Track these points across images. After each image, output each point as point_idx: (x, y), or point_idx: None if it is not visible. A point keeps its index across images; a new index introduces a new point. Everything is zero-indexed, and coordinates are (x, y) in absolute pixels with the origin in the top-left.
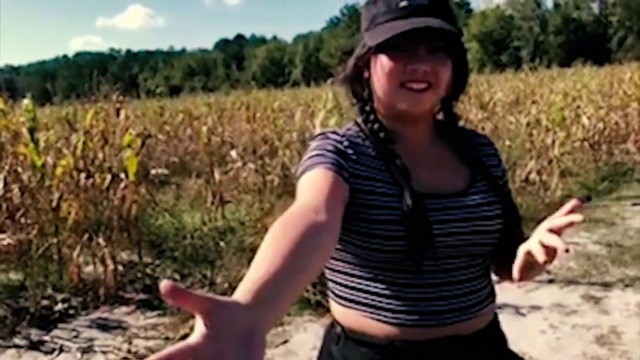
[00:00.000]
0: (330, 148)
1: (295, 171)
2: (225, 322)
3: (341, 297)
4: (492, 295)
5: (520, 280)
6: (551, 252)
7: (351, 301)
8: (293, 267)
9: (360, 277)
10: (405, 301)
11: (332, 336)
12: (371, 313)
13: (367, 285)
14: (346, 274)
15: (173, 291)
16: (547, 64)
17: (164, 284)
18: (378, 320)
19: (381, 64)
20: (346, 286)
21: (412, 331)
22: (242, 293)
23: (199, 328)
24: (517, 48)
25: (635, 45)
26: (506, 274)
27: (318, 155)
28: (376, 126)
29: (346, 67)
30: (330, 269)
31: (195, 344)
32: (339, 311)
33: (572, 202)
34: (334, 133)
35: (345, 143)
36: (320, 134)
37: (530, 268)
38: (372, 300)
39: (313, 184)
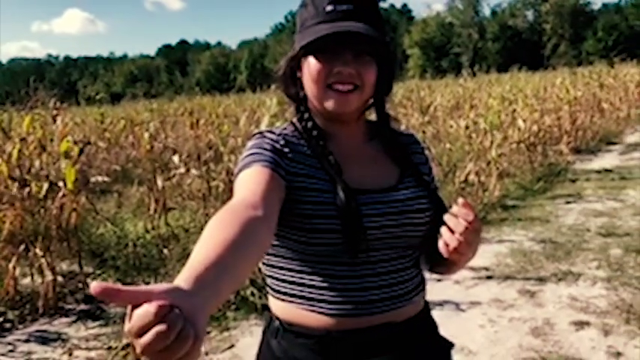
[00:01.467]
0: (266, 146)
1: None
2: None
3: (278, 291)
4: (422, 284)
5: (452, 257)
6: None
7: (288, 294)
8: (233, 257)
9: (296, 271)
10: (339, 292)
11: (271, 330)
12: (307, 305)
13: (302, 278)
14: (283, 268)
15: (104, 290)
16: (486, 69)
17: (93, 285)
18: (315, 312)
19: (309, 66)
20: (283, 281)
21: (348, 320)
22: (184, 280)
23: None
24: (457, 54)
25: (567, 51)
26: (436, 266)
27: (255, 154)
28: (309, 124)
29: (278, 68)
30: (267, 265)
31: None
32: (277, 305)
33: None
34: (270, 132)
35: (282, 142)
36: (257, 133)
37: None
38: (309, 292)
39: (251, 181)
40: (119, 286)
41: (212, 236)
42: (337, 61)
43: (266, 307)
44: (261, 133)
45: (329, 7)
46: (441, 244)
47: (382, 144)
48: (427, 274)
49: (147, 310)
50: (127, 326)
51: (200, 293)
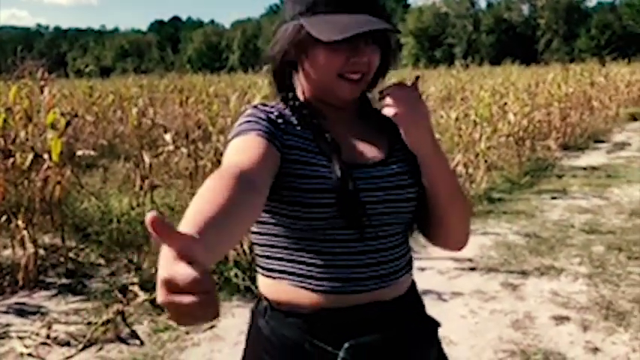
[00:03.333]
0: (262, 116)
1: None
2: (199, 263)
3: (268, 269)
4: (410, 263)
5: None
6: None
7: (277, 271)
8: (228, 219)
9: (285, 248)
10: (328, 268)
11: (259, 310)
12: (296, 281)
13: (292, 254)
14: (272, 245)
15: (159, 224)
16: (479, 61)
17: (150, 215)
18: (304, 288)
19: (322, 55)
20: (272, 258)
21: (336, 297)
22: (189, 230)
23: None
24: (451, 45)
25: (560, 48)
26: (433, 237)
27: (251, 122)
28: (297, 103)
29: (274, 43)
30: (257, 244)
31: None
32: (266, 284)
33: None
34: (264, 104)
35: (276, 113)
36: (251, 105)
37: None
38: (298, 269)
39: (246, 148)
40: (170, 225)
41: (209, 198)
42: (352, 51)
43: (249, 290)
44: (255, 106)
45: None
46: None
47: (370, 120)
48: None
49: (196, 278)
50: (174, 275)
51: (207, 253)
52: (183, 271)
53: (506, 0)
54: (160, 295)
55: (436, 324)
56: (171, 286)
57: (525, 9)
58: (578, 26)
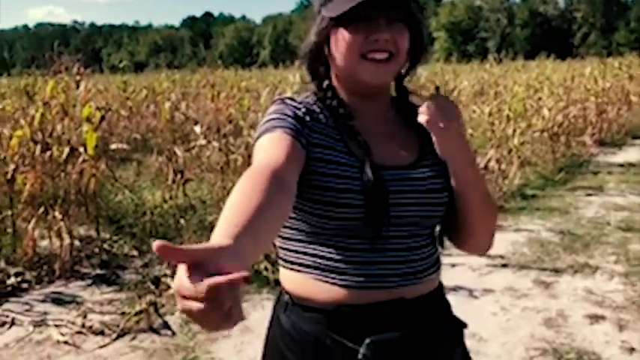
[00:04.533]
0: (288, 112)
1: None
2: (218, 269)
3: (290, 262)
4: (437, 263)
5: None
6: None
7: (299, 264)
8: (263, 221)
9: (309, 242)
10: (352, 264)
11: (280, 304)
12: (318, 275)
13: (315, 249)
14: (295, 239)
15: (165, 249)
16: (513, 56)
17: (156, 244)
18: (326, 282)
19: (342, 36)
20: (295, 251)
21: (357, 293)
22: (224, 236)
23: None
24: (484, 39)
25: (597, 41)
26: (458, 240)
27: (277, 119)
28: (334, 102)
29: (305, 44)
30: (281, 237)
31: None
32: (288, 277)
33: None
34: (291, 99)
35: (303, 110)
36: (278, 99)
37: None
38: (320, 263)
39: (272, 147)
40: (178, 246)
41: (240, 203)
42: (371, 28)
43: (278, 282)
44: (282, 99)
45: None
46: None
47: (404, 120)
48: (442, 258)
49: (218, 284)
50: (179, 286)
51: (239, 253)
52: (185, 283)
53: None
54: (178, 303)
55: (462, 324)
56: (182, 296)
57: (561, 2)
58: (616, 19)
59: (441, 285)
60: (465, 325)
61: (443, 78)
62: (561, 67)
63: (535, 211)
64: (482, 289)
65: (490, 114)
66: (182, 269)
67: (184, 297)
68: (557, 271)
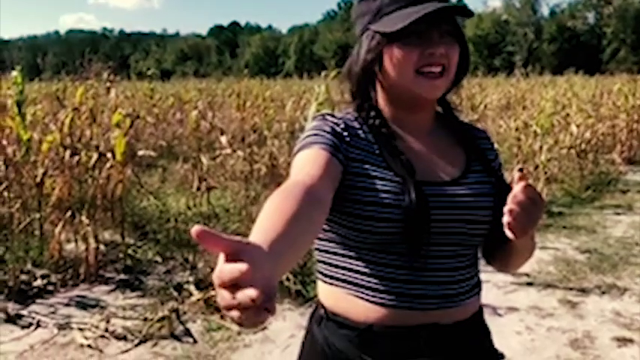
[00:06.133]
0: (327, 129)
1: (290, 154)
2: (254, 263)
3: (327, 275)
4: (478, 287)
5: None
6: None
7: (335, 279)
8: (294, 233)
9: (346, 257)
10: (389, 281)
11: (315, 317)
12: (353, 290)
13: (352, 263)
14: (333, 253)
15: (204, 234)
16: (540, 70)
17: (195, 228)
18: (361, 298)
19: (398, 52)
20: (332, 265)
21: (393, 312)
22: (260, 241)
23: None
24: (511, 53)
25: (628, 57)
26: (495, 258)
27: (315, 135)
28: (377, 121)
29: (353, 62)
30: (318, 249)
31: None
32: (325, 290)
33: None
34: (332, 115)
35: (342, 126)
36: (318, 115)
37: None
38: (356, 278)
39: (308, 163)
40: (217, 232)
41: (274, 215)
42: (426, 43)
43: (300, 293)
44: (322, 115)
45: None
46: (505, 219)
47: (449, 135)
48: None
49: (240, 270)
50: (221, 273)
51: (274, 258)
52: (228, 266)
53: (571, 8)
54: (218, 297)
55: (499, 356)
56: (223, 284)
57: (591, 17)
58: None
59: (480, 310)
60: (502, 357)
61: (469, 91)
62: (590, 83)
63: (562, 229)
64: (507, 308)
65: (517, 129)
66: (221, 257)
67: (225, 284)
68: (583, 291)
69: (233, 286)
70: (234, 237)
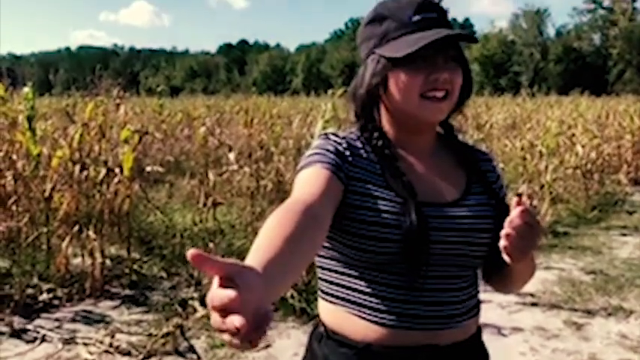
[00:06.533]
0: (330, 148)
1: (295, 171)
2: (247, 286)
3: (327, 293)
4: (477, 308)
5: (513, 260)
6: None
7: (335, 297)
8: (292, 253)
9: (346, 275)
10: (388, 300)
11: (316, 335)
12: (352, 308)
13: (352, 282)
14: (333, 271)
15: (199, 258)
16: (546, 91)
17: (191, 252)
18: (359, 316)
19: (403, 76)
20: (332, 283)
21: (391, 332)
22: (254, 265)
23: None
24: (517, 73)
25: (634, 79)
26: (494, 279)
27: (317, 154)
28: (380, 142)
29: (358, 84)
30: (320, 267)
31: (227, 293)
32: (324, 308)
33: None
34: (335, 134)
35: (344, 145)
36: (322, 134)
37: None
38: (355, 296)
39: (309, 182)
40: (213, 256)
41: (273, 234)
42: (431, 68)
43: (304, 311)
44: (326, 134)
45: (416, 17)
46: (501, 243)
47: (450, 156)
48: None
49: (229, 296)
50: (212, 298)
51: (269, 284)
52: (219, 292)
53: (577, 29)
54: (211, 319)
55: None
56: (214, 308)
57: (597, 38)
58: None
59: (479, 331)
60: None
61: (475, 110)
62: (596, 103)
63: (567, 250)
64: (511, 328)
65: (522, 149)
66: (215, 282)
67: (215, 309)
68: (589, 313)
69: (224, 310)
70: (228, 260)
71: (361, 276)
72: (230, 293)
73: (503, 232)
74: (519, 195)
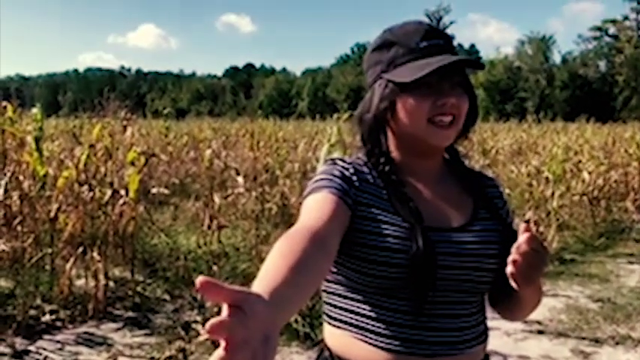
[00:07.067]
0: (336, 173)
1: (302, 195)
2: (254, 313)
3: (332, 317)
4: (484, 335)
5: (519, 286)
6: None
7: (340, 321)
8: (299, 280)
9: (351, 299)
10: (394, 326)
11: (321, 359)
12: (357, 333)
13: (358, 307)
14: (339, 295)
15: (207, 285)
16: (551, 117)
17: (199, 280)
18: (364, 341)
19: (411, 102)
20: (337, 307)
21: (396, 358)
22: (261, 292)
23: (225, 314)
24: (523, 99)
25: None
26: (501, 306)
27: (324, 179)
28: (387, 168)
29: (365, 108)
30: (325, 291)
31: (233, 322)
32: (330, 332)
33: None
34: (342, 160)
35: (351, 170)
36: (329, 160)
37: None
38: (361, 321)
39: (316, 207)
40: (221, 282)
41: (280, 261)
42: (438, 93)
43: (308, 336)
44: (332, 160)
45: (423, 44)
46: (508, 269)
47: (457, 182)
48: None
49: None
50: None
51: (276, 311)
52: (215, 319)
53: (583, 56)
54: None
55: None
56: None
57: (602, 65)
58: None
59: (486, 358)
60: None
61: (481, 136)
62: (602, 130)
63: (574, 277)
64: (518, 356)
65: (529, 175)
66: (225, 309)
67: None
68: (597, 342)
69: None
70: (235, 287)
71: (367, 300)
72: (221, 320)
73: (510, 259)
74: (527, 221)
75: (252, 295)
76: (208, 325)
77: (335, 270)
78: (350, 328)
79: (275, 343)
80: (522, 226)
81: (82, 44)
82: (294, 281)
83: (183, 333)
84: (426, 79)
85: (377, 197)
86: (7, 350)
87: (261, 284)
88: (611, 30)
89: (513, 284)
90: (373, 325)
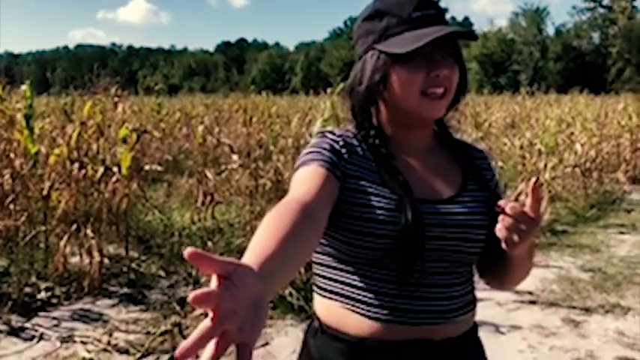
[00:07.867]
0: (326, 146)
1: (293, 169)
2: (243, 283)
3: (321, 288)
4: (473, 304)
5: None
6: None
7: (330, 292)
8: (288, 251)
9: (341, 270)
10: (382, 295)
11: (311, 329)
12: (347, 303)
13: (347, 277)
14: (328, 266)
15: (196, 256)
16: (545, 89)
17: (188, 250)
18: (353, 311)
19: (404, 73)
20: (327, 278)
21: (383, 327)
22: (251, 264)
23: (215, 284)
24: (516, 72)
25: (633, 77)
26: (489, 275)
27: (314, 152)
28: (377, 141)
29: (356, 80)
30: (316, 263)
31: (220, 292)
32: (319, 303)
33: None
34: (332, 132)
35: (341, 143)
36: (319, 132)
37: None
38: (350, 292)
39: (306, 180)
40: (210, 254)
41: (269, 233)
42: (431, 65)
43: (302, 309)
44: (322, 132)
45: (416, 14)
46: (498, 227)
47: (446, 154)
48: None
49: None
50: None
51: (264, 279)
52: (200, 290)
53: (576, 27)
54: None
55: None
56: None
57: (596, 37)
58: None
59: (474, 327)
60: None
61: (474, 109)
62: (595, 102)
63: (565, 248)
64: (509, 326)
65: (521, 147)
66: (214, 280)
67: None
68: (587, 311)
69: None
70: (225, 259)
71: (356, 271)
72: (207, 291)
73: (501, 217)
74: (537, 179)
75: (242, 266)
76: (192, 295)
77: (324, 242)
78: (340, 298)
79: (265, 313)
80: (532, 182)
81: (72, 21)
82: (284, 253)
83: (178, 308)
84: (421, 50)
85: (366, 170)
86: (4, 327)
87: (251, 256)
88: (605, 1)
89: (503, 244)
90: (362, 295)
